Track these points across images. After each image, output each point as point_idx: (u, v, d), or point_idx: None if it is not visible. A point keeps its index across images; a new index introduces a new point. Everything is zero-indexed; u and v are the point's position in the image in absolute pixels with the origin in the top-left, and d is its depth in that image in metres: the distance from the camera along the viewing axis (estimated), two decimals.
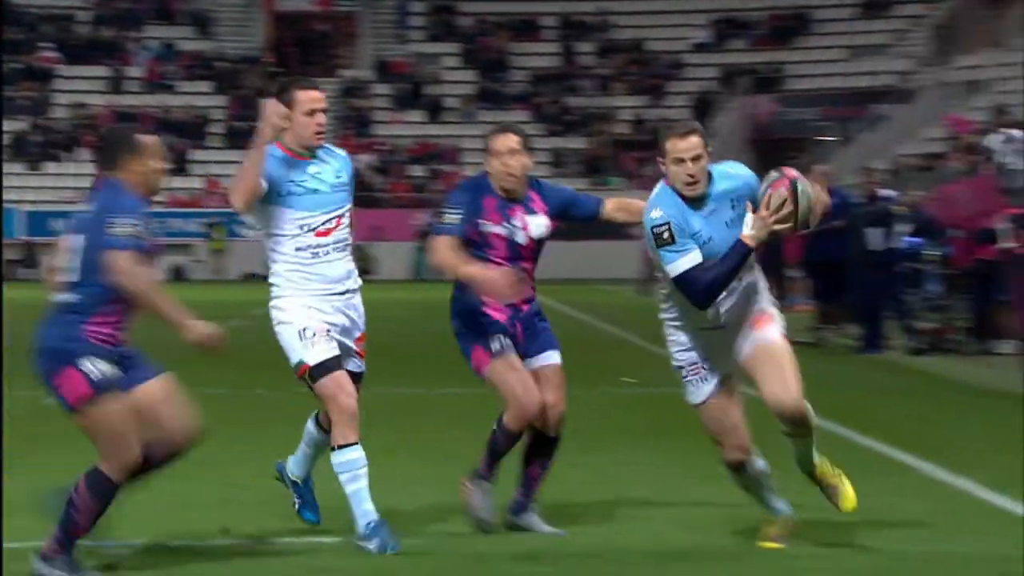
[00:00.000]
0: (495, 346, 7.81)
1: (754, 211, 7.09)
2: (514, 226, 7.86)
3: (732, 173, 7.26)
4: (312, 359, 7.49)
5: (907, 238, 20.73)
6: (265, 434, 11.98)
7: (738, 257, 7.09)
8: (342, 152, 7.80)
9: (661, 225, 7.10)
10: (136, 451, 6.78)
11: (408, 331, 24.90)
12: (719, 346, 7.27)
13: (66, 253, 6.86)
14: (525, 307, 7.92)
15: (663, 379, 15.35)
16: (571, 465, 10.22)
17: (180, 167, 54.40)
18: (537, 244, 7.92)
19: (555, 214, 7.93)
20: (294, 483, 7.98)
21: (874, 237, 19.64)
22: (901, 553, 7.39)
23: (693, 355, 7.31)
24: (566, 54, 57.24)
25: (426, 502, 8.77)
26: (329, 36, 59.18)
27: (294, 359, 7.58)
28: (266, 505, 8.66)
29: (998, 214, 17.16)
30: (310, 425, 7.88)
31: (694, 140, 7.13)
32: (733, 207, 7.16)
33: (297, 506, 7.95)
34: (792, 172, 7.18)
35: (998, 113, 34.68)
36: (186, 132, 54.64)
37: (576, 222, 8.19)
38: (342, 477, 7.43)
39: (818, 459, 7.34)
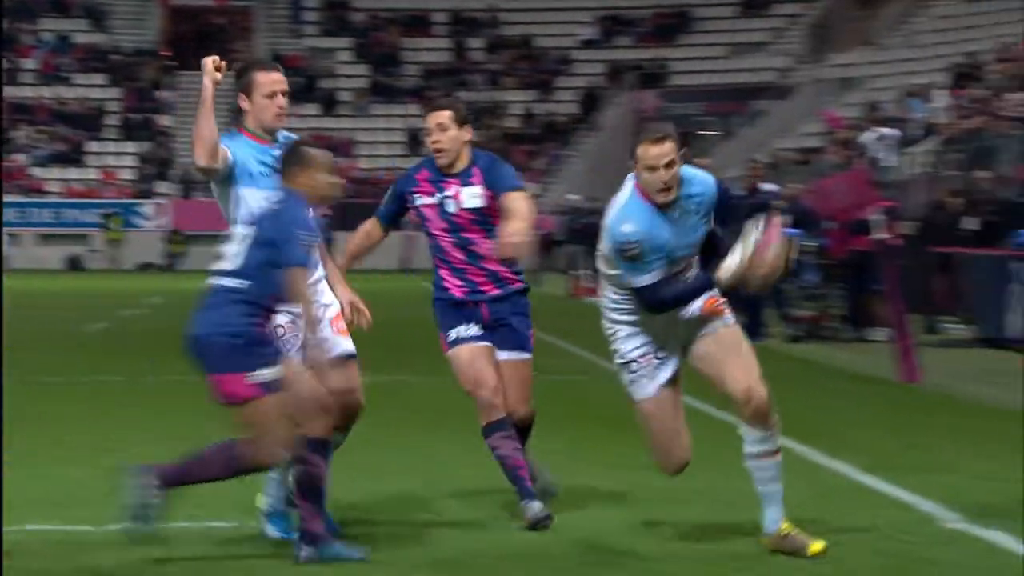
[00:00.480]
0: (452, 335, 7.68)
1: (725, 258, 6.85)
2: (445, 196, 7.72)
3: (700, 179, 7.00)
4: None
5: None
6: (159, 420, 11.86)
7: (700, 289, 6.90)
8: (296, 137, 7.54)
9: (632, 244, 6.81)
10: (284, 450, 6.69)
11: None
12: (670, 329, 7.04)
13: (236, 241, 6.83)
14: (489, 288, 7.73)
15: (546, 366, 15.39)
16: (464, 450, 10.21)
17: (76, 158, 53.71)
18: (477, 215, 7.67)
19: (488, 186, 7.72)
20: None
21: None
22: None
23: (645, 346, 7.05)
24: (457, 49, 57.21)
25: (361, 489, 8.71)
26: (225, 30, 58.69)
27: None
28: None
29: (871, 206, 17.37)
30: None
31: (667, 146, 6.83)
32: (697, 212, 6.94)
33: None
34: (777, 221, 6.94)
35: (870, 109, 35.20)
36: (81, 124, 53.97)
37: None
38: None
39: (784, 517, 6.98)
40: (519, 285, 7.86)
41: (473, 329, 7.71)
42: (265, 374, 6.62)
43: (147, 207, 51.45)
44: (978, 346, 19.14)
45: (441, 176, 7.75)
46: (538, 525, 7.43)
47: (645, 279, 6.84)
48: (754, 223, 6.90)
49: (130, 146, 54.04)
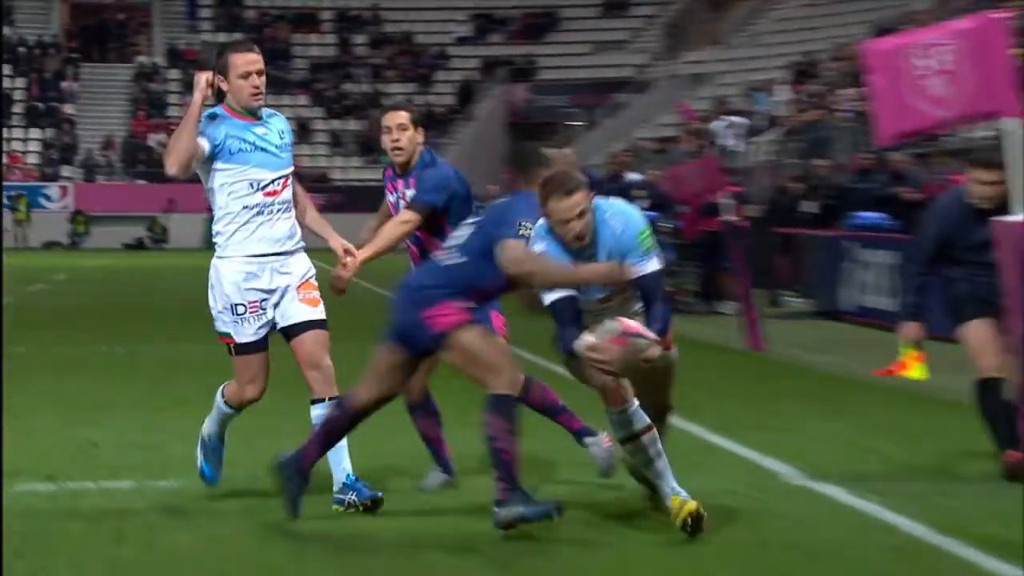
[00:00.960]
0: None
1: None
2: (398, 196, 7.55)
3: (620, 217, 6.34)
4: (239, 337, 6.96)
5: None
6: (65, 387, 11.65)
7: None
8: (280, 115, 7.21)
9: None
10: (512, 364, 6.39)
11: (200, 292, 24.46)
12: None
13: (462, 228, 6.64)
14: None
15: None
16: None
17: None
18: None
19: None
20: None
21: None
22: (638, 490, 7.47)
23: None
24: (342, 45, 56.80)
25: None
26: (124, 25, 57.70)
27: (220, 328, 7.02)
28: (65, 452, 8.42)
29: (720, 191, 17.53)
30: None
31: (577, 197, 6.20)
32: (616, 252, 6.35)
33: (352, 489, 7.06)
34: (631, 327, 6.22)
35: (719, 103, 35.46)
36: None
37: None
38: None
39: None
40: None
41: None
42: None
43: (52, 189, 50.49)
44: (816, 318, 19.43)
45: (396, 176, 7.58)
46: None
47: (548, 296, 6.35)
48: (605, 327, 6.22)
49: (35, 132, 52.98)
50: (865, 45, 5.83)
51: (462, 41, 56.35)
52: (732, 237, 16.59)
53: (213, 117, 7.06)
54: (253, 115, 7.05)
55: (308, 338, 6.99)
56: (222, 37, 56.51)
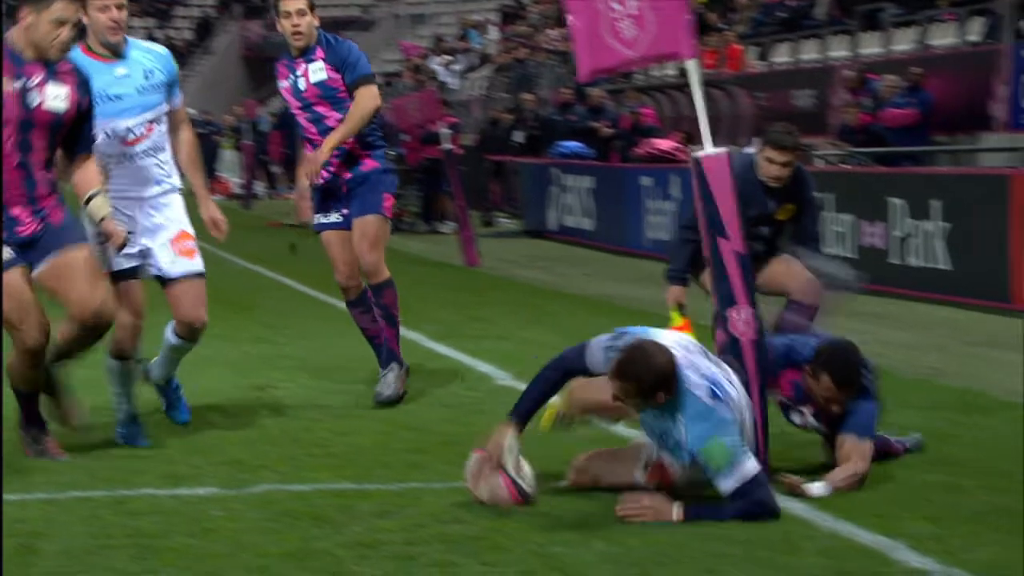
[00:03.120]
0: (318, 220, 7.32)
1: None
2: (296, 76, 7.18)
3: (687, 431, 5.08)
4: (106, 267, 6.15)
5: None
6: None
7: None
8: (161, 50, 6.44)
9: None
10: None
11: None
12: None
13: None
14: (344, 172, 7.15)
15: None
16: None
17: None
18: (322, 89, 7.09)
19: (334, 66, 7.14)
20: (158, 386, 6.67)
21: None
22: (366, 391, 7.53)
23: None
24: None
25: None
26: None
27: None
28: None
29: (439, 122, 17.63)
30: (167, 331, 6.52)
31: (623, 386, 5.09)
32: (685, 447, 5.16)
33: (164, 407, 6.69)
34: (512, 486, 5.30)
35: (438, 41, 35.48)
36: None
37: None
38: (111, 378, 6.28)
39: None
40: (374, 166, 7.21)
41: (333, 216, 7.28)
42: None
43: None
44: (524, 237, 19.80)
45: (293, 60, 7.22)
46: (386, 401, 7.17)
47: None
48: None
49: None
50: None
51: None
52: (450, 163, 16.74)
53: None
54: (115, 53, 6.25)
55: (186, 294, 6.35)
56: None
